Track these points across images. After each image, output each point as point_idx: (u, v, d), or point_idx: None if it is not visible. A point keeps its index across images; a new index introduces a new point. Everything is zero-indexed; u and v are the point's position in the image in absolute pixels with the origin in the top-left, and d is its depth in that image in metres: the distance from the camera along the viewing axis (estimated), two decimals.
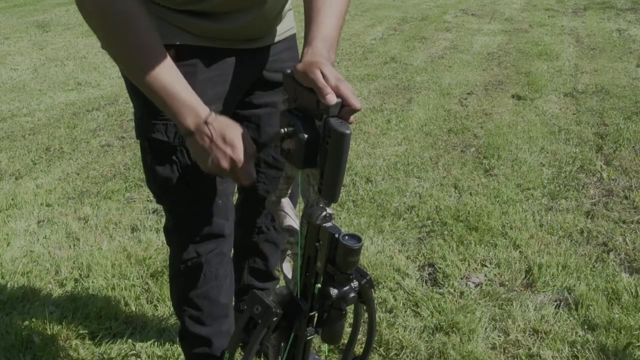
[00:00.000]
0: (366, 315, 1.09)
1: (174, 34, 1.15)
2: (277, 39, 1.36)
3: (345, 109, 0.92)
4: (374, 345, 1.82)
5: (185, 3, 1.13)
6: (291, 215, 1.09)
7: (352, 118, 0.94)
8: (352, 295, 0.95)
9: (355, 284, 0.96)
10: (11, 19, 7.97)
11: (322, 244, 0.94)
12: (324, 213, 0.94)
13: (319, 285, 0.97)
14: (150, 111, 1.22)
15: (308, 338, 1.02)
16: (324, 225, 0.93)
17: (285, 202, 1.10)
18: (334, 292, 0.94)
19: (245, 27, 1.21)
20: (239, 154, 1.04)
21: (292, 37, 1.43)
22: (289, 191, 1.10)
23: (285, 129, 0.94)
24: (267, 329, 0.97)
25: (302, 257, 1.01)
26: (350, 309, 1.05)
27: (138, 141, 1.31)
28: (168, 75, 1.03)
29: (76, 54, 5.95)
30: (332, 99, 0.90)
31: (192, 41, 1.17)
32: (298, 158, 0.94)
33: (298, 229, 1.04)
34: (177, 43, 1.14)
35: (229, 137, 1.04)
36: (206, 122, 1.04)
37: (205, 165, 1.07)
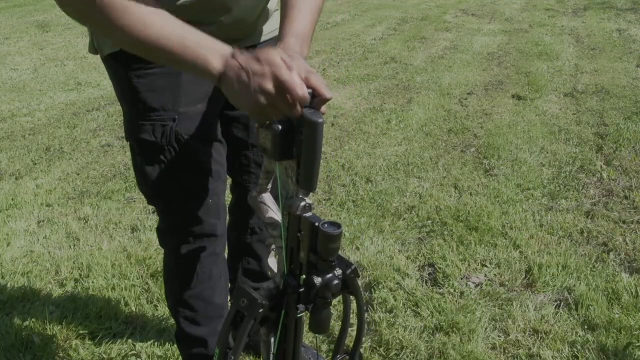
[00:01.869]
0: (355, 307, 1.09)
1: None
2: (262, 38, 1.36)
3: (316, 99, 0.94)
4: (374, 345, 1.82)
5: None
6: (273, 209, 1.11)
7: (324, 108, 0.95)
8: (335, 282, 0.97)
9: (338, 271, 0.97)
10: (11, 19, 7.97)
11: (304, 234, 0.96)
12: (303, 203, 0.95)
13: (304, 276, 0.98)
14: (138, 112, 1.23)
15: (299, 315, 1.01)
16: (304, 215, 0.95)
17: (266, 196, 1.12)
18: (317, 280, 0.96)
19: (224, 27, 1.20)
20: (281, 69, 0.88)
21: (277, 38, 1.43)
22: (269, 186, 1.12)
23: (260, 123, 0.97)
24: (253, 320, 0.98)
25: (286, 246, 1.02)
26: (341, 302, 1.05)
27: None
28: (178, 29, 0.94)
29: (76, 54, 5.95)
30: None
31: None
32: (274, 150, 0.96)
33: (280, 221, 1.05)
34: None
35: (264, 57, 0.89)
36: (233, 56, 0.92)
37: (249, 101, 0.91)
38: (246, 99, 0.91)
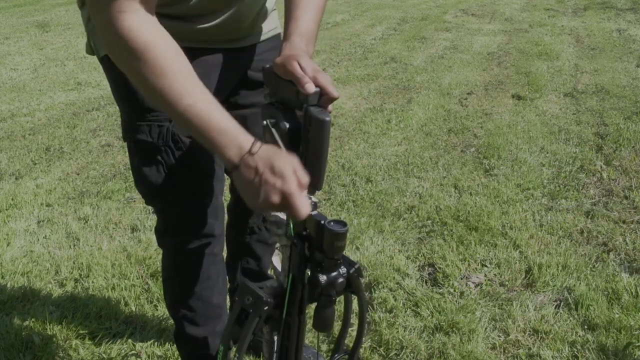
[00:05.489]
0: (356, 306, 1.09)
1: None
2: (262, 37, 1.37)
3: (324, 98, 0.95)
4: (374, 345, 1.82)
5: (158, 5, 1.12)
6: None
7: (330, 107, 0.96)
8: (340, 280, 0.97)
9: (343, 270, 0.97)
10: (11, 19, 7.97)
11: (309, 232, 0.96)
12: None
13: (309, 273, 0.98)
14: (135, 113, 1.23)
15: (306, 281, 0.99)
16: (310, 213, 0.95)
17: None
18: (322, 278, 0.95)
19: (220, 28, 1.21)
20: (290, 186, 0.91)
21: (277, 37, 1.43)
22: None
23: (268, 121, 0.97)
24: (258, 318, 0.98)
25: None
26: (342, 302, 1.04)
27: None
28: (202, 102, 0.94)
29: (76, 54, 5.95)
30: (310, 87, 0.94)
31: None
32: (281, 148, 0.96)
33: (285, 219, 1.04)
34: None
35: (278, 168, 0.91)
36: (251, 153, 0.92)
37: (253, 201, 0.95)
38: (252, 198, 0.94)
